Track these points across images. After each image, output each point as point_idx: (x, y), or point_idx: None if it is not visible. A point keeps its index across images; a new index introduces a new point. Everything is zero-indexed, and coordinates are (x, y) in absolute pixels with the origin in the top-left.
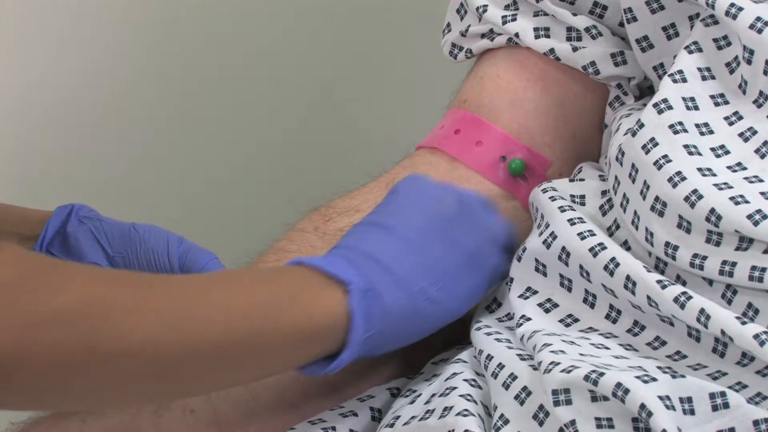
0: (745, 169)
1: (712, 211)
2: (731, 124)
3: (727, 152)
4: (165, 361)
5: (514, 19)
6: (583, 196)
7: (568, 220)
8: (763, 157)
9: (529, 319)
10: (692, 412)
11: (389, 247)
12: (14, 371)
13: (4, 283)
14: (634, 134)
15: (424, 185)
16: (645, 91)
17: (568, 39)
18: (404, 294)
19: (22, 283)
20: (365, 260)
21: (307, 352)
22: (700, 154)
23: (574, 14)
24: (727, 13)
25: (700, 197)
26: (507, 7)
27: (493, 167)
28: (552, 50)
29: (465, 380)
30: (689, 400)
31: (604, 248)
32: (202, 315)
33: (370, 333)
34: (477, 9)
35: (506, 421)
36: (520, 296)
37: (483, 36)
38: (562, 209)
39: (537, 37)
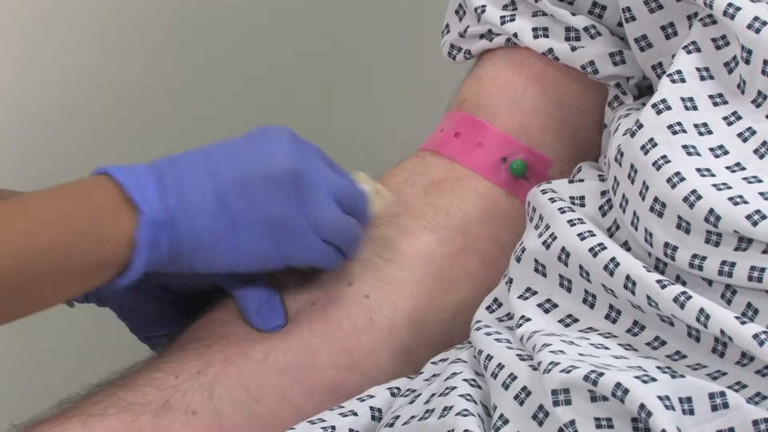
0: (744, 169)
1: (711, 211)
2: (730, 124)
3: (726, 152)
4: None
5: (512, 20)
6: (582, 197)
7: (568, 221)
8: (761, 157)
9: (528, 319)
10: (692, 412)
11: (204, 183)
12: None
13: None
14: (632, 135)
15: (286, 138)
16: (644, 90)
17: (567, 39)
18: (195, 233)
19: None
20: (175, 183)
21: (97, 279)
22: (699, 154)
23: (573, 14)
24: (725, 13)
25: (699, 198)
26: (505, 8)
27: (495, 169)
28: (551, 50)
29: (465, 380)
30: (689, 400)
31: (604, 248)
32: None
33: (153, 260)
34: (475, 9)
35: (506, 421)
36: (520, 297)
37: (482, 36)
38: (561, 210)
39: (536, 36)
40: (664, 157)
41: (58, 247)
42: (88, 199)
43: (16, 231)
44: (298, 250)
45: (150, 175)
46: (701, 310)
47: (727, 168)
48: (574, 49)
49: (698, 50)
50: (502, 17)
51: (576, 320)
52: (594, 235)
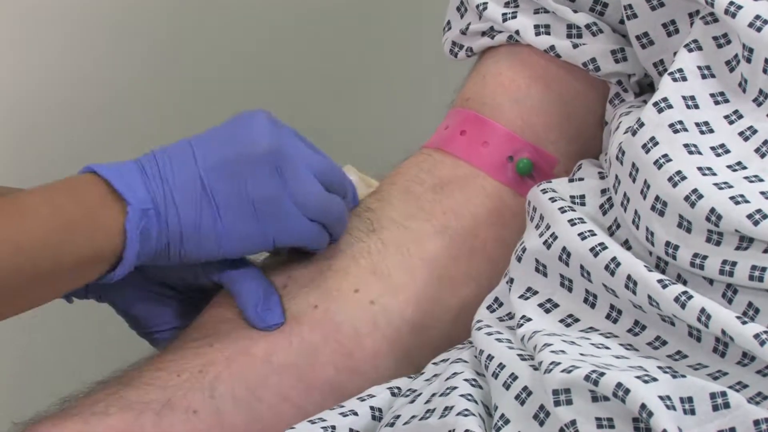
0: (745, 168)
1: (713, 210)
2: (731, 122)
3: (728, 151)
4: None
5: (514, 17)
6: (582, 196)
7: (569, 221)
8: (763, 156)
9: (529, 319)
10: (693, 411)
11: (186, 171)
12: None
13: None
14: (634, 133)
15: (263, 120)
16: (645, 87)
17: (569, 36)
18: (180, 220)
19: None
20: (158, 173)
21: (92, 272)
22: (700, 153)
23: (575, 11)
24: (726, 12)
25: (701, 197)
26: (507, 5)
27: (501, 167)
28: (552, 47)
29: (466, 380)
30: (690, 399)
31: (605, 248)
32: None
33: (145, 251)
34: (477, 7)
35: (507, 421)
36: (521, 297)
37: (483, 34)
38: (562, 210)
39: (537, 34)
40: (665, 155)
41: (51, 241)
42: (78, 195)
43: (10, 227)
44: (284, 229)
45: (133, 168)
46: (702, 310)
47: (729, 167)
48: (575, 46)
49: (699, 48)
50: (503, 14)
51: (577, 320)
52: (595, 234)
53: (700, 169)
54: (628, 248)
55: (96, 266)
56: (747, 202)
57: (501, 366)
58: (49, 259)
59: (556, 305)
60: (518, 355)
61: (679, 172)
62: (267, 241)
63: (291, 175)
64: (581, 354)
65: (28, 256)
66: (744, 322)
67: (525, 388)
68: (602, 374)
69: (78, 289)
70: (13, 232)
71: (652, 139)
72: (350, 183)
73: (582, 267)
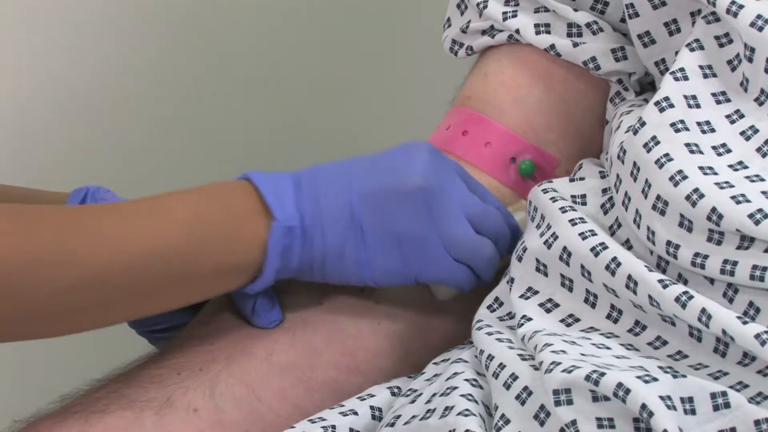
0: (746, 167)
1: (714, 210)
2: (733, 122)
3: (729, 151)
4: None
5: (514, 16)
6: (584, 196)
7: (570, 221)
8: (764, 155)
9: (530, 319)
10: (693, 411)
11: (339, 195)
12: None
13: None
14: (635, 132)
15: (423, 153)
16: (646, 86)
17: (569, 35)
18: (325, 243)
19: None
20: (312, 193)
21: (229, 283)
22: (701, 152)
23: (575, 10)
24: (728, 11)
25: (702, 196)
26: (507, 3)
27: (504, 168)
28: (552, 46)
29: (466, 380)
30: (690, 399)
31: (606, 248)
32: (123, 252)
33: (285, 267)
34: (477, 5)
35: (507, 421)
36: (521, 296)
37: (484, 32)
38: (563, 210)
39: (537, 33)
40: (666, 155)
41: (191, 246)
42: (226, 202)
43: (151, 227)
44: (428, 267)
45: (288, 184)
46: (703, 310)
47: (730, 166)
48: (576, 45)
49: (701, 48)
50: (504, 13)
51: (577, 320)
52: (595, 234)
53: (701, 168)
54: (629, 248)
55: (233, 277)
56: (748, 201)
57: (501, 366)
58: (183, 265)
59: (556, 305)
60: (519, 355)
61: (680, 172)
62: (409, 276)
63: (441, 212)
64: (582, 354)
65: (162, 259)
66: (745, 322)
67: (525, 388)
68: (603, 374)
69: None
70: (147, 233)
71: (654, 138)
72: (506, 230)
73: (583, 267)
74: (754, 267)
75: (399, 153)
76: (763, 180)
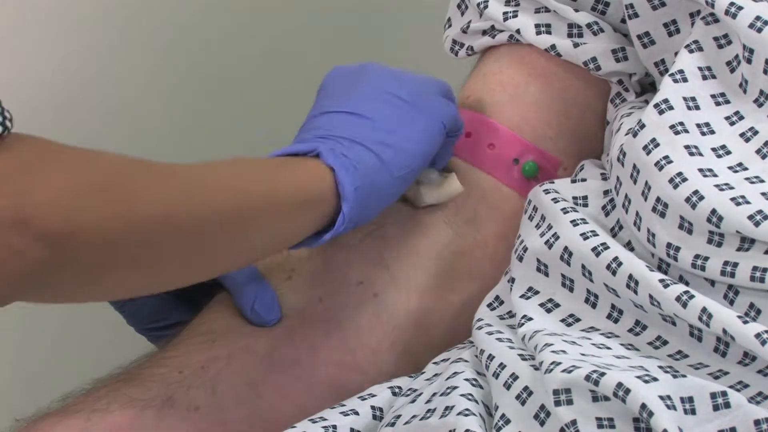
0: (746, 169)
1: (713, 212)
2: (732, 123)
3: (728, 152)
4: (188, 227)
5: (515, 16)
6: (585, 197)
7: (571, 221)
8: (764, 157)
9: (530, 319)
10: (693, 411)
11: (334, 122)
12: (68, 247)
13: (33, 160)
14: (635, 135)
15: (344, 68)
16: (646, 87)
17: (570, 35)
18: (363, 149)
19: (46, 158)
20: (317, 139)
21: (303, 221)
22: (701, 154)
23: (576, 10)
24: (726, 12)
25: (701, 198)
26: (508, 3)
27: (508, 170)
28: (553, 46)
29: (466, 380)
30: (690, 399)
31: (607, 248)
32: (209, 189)
33: (356, 186)
34: (478, 5)
35: (507, 421)
36: (522, 296)
37: (484, 33)
38: (564, 211)
39: (538, 33)
40: (666, 157)
41: (263, 175)
42: (269, 161)
43: (220, 177)
44: (445, 111)
45: (296, 140)
46: (704, 310)
47: (730, 168)
48: (576, 45)
49: (700, 49)
50: (504, 13)
51: (578, 320)
52: (597, 235)
53: (701, 170)
54: (631, 249)
55: (308, 210)
56: (748, 203)
57: (502, 366)
58: (265, 196)
59: (557, 305)
60: (519, 355)
61: (680, 174)
62: (439, 125)
63: (405, 73)
64: (582, 354)
65: (244, 193)
66: (745, 322)
67: (526, 388)
68: (603, 374)
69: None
70: (228, 175)
71: (653, 140)
72: None
73: (583, 267)
74: (755, 268)
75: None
76: (762, 181)
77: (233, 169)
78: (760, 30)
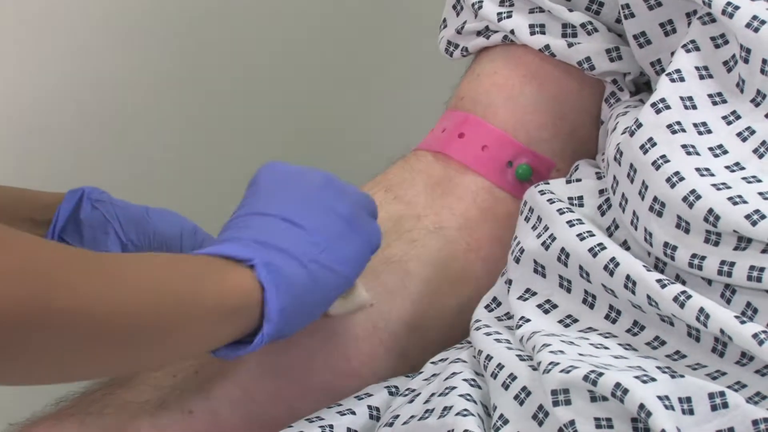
0: (743, 169)
1: (711, 211)
2: (729, 123)
3: (726, 152)
4: (108, 321)
5: (509, 16)
6: (581, 197)
7: (567, 222)
8: (761, 157)
9: (528, 320)
10: (691, 411)
11: (271, 227)
12: None
13: None
14: (632, 134)
15: (282, 167)
16: (641, 86)
17: (564, 35)
18: (299, 265)
19: None
20: (253, 243)
21: (223, 331)
22: (698, 153)
23: (570, 10)
24: (723, 12)
25: (699, 197)
26: (502, 4)
27: (501, 172)
28: (547, 46)
29: (464, 380)
30: (688, 399)
31: (604, 248)
32: (134, 285)
33: (282, 307)
34: (473, 5)
35: (506, 421)
36: (519, 298)
37: (479, 33)
38: (560, 211)
39: (532, 33)
40: (663, 156)
41: (189, 274)
42: (189, 261)
43: (149, 272)
44: (374, 231)
45: (224, 242)
46: (701, 310)
47: (727, 168)
48: (570, 45)
49: (697, 49)
50: (498, 14)
51: (576, 320)
52: (593, 235)
53: (698, 169)
54: (627, 249)
55: (227, 323)
56: (745, 202)
57: (500, 366)
58: (191, 293)
59: (555, 306)
60: (517, 355)
61: (677, 173)
62: (369, 250)
63: (341, 186)
64: (580, 354)
65: (170, 294)
66: (743, 322)
67: (524, 389)
68: (601, 374)
69: None
70: (153, 273)
71: (650, 139)
72: None
73: (581, 267)
74: (752, 268)
75: (270, 173)
76: (759, 181)
77: (163, 268)
78: (756, 30)
